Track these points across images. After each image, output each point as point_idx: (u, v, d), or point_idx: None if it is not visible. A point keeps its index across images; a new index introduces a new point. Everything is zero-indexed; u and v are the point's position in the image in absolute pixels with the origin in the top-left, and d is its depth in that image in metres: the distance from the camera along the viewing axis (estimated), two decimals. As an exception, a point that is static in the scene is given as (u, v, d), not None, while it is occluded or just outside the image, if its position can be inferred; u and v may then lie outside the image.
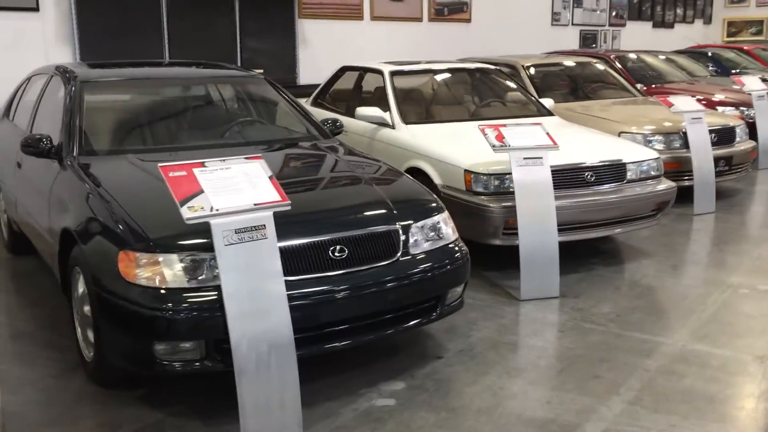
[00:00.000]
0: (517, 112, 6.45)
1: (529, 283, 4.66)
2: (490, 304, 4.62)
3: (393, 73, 6.38)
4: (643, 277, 5.09)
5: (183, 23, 8.04)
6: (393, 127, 5.92)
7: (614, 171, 5.23)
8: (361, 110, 6.04)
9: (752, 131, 8.90)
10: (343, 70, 7.29)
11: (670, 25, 20.62)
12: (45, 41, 6.99)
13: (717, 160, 7.14)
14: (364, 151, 6.10)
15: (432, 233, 3.60)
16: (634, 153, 5.41)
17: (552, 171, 4.88)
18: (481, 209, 4.86)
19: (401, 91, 6.37)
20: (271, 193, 2.97)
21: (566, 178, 5.06)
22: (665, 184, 5.45)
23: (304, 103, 7.58)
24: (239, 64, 8.70)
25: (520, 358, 3.86)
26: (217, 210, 2.82)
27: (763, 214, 6.91)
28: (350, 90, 7.00)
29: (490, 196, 4.90)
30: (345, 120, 6.33)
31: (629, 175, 5.29)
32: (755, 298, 4.66)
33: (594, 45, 17.11)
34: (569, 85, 8.81)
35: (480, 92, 6.80)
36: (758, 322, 4.29)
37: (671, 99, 7.04)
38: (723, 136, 7.35)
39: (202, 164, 2.96)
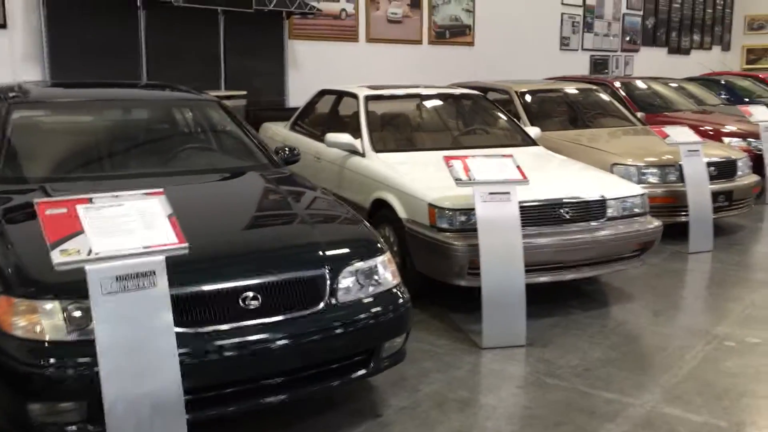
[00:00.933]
0: (499, 142, 6.09)
1: (492, 329, 4.27)
2: (448, 351, 4.23)
3: (368, 98, 6.05)
4: (621, 325, 4.67)
5: (163, 41, 7.76)
6: (363, 155, 5.58)
7: (593, 208, 4.84)
8: (331, 137, 5.71)
9: (760, 164, 8.51)
10: (322, 93, 6.98)
11: (686, 52, 20.21)
12: (13, 59, 6.75)
13: (716, 195, 6.73)
14: (335, 180, 5.80)
15: (368, 278, 3.23)
16: (616, 189, 5.02)
17: (523, 207, 4.53)
18: (445, 247, 4.48)
19: (376, 116, 6.05)
20: (166, 235, 2.62)
21: (539, 214, 4.68)
22: (650, 223, 5.05)
23: (283, 127, 7.30)
24: (223, 86, 8.43)
25: (467, 418, 3.46)
26: (96, 254, 2.48)
27: (764, 255, 6.47)
28: (327, 114, 6.68)
29: (455, 233, 4.53)
30: (319, 147, 6.03)
31: (610, 212, 4.90)
32: (741, 353, 4.23)
33: (605, 71, 16.74)
34: (565, 112, 8.44)
35: (462, 119, 6.45)
36: (740, 381, 3.87)
37: (667, 129, 6.64)
38: (723, 169, 6.92)
39: (89, 200, 2.63)
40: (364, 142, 5.62)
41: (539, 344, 4.34)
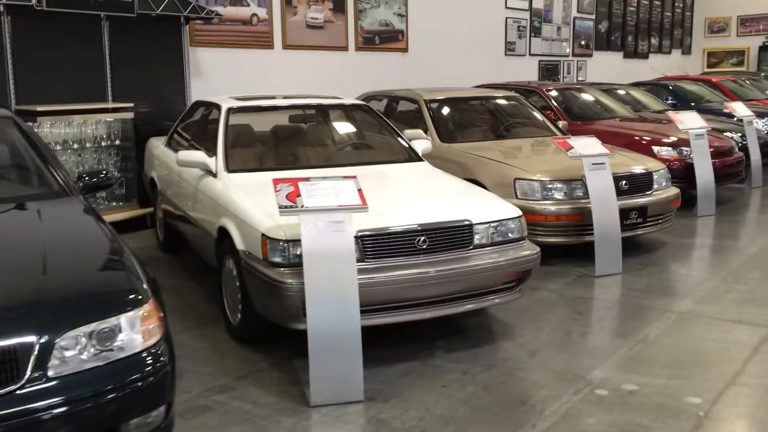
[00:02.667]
0: (377, 158, 5.49)
1: (322, 383, 3.64)
2: (270, 412, 3.60)
3: (231, 110, 5.41)
4: (486, 370, 4.06)
5: (34, 51, 7.09)
6: (215, 175, 4.95)
7: (457, 235, 4.22)
8: (184, 155, 5.07)
9: (691, 173, 7.99)
10: (196, 105, 6.34)
11: (644, 56, 19.79)
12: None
13: (628, 211, 6.17)
14: (191, 204, 5.17)
15: (105, 342, 2.59)
16: (488, 212, 4.41)
17: (371, 236, 3.94)
18: (277, 285, 3.85)
19: (239, 131, 5.42)
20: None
21: (390, 244, 4.06)
22: (527, 250, 4.44)
23: (162, 142, 6.66)
24: (110, 98, 7.75)
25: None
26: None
27: (675, 276, 5.88)
28: (199, 129, 6.05)
29: (289, 268, 3.90)
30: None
31: (477, 239, 4.28)
32: (609, 405, 3.63)
33: (555, 77, 16.24)
34: (479, 122, 7.87)
35: (337, 134, 5.83)
36: (599, 445, 3.27)
37: (572, 141, 6.06)
38: (636, 183, 6.36)
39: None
40: (218, 161, 4.99)
41: (380, 399, 3.72)
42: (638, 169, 6.42)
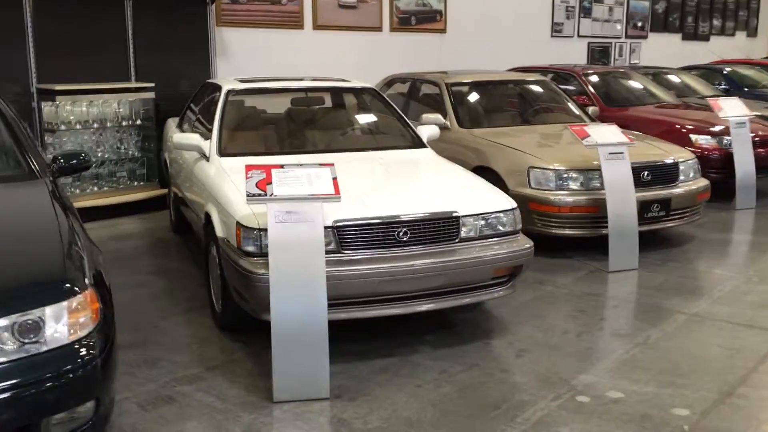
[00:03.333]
0: (380, 144, 5.33)
1: (286, 379, 3.51)
2: (231, 406, 3.49)
3: (231, 92, 5.30)
4: (467, 369, 3.87)
5: (56, 31, 7.11)
6: (208, 159, 4.85)
7: (442, 227, 4.02)
8: (179, 137, 5.00)
9: (731, 164, 7.57)
10: (206, 86, 6.25)
11: (705, 38, 18.97)
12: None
13: (649, 203, 5.85)
14: (189, 188, 5.10)
15: (26, 335, 2.51)
16: (477, 204, 4.19)
17: (348, 226, 3.79)
18: (247, 275, 3.73)
19: (238, 113, 5.31)
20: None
21: (368, 235, 3.89)
22: (519, 244, 4.21)
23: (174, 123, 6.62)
24: (133, 78, 7.75)
25: None
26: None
27: (694, 273, 5.55)
28: (206, 110, 5.95)
29: (262, 258, 3.77)
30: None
31: (465, 231, 4.08)
32: (588, 414, 3.40)
33: (606, 59, 15.68)
34: (503, 107, 7.59)
35: (341, 118, 5.66)
36: (566, 458, 3.06)
37: (589, 129, 5.76)
38: (659, 174, 6.02)
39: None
40: (212, 144, 4.89)
41: (348, 397, 3.57)
42: (662, 159, 6.08)
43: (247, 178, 3.63)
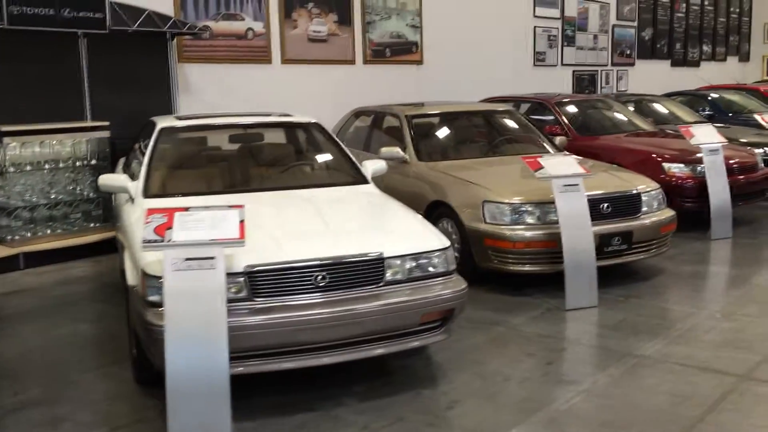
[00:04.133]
0: (321, 180, 5.10)
1: (182, 438, 3.24)
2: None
3: (164, 131, 5.09)
4: (389, 424, 3.58)
5: (10, 68, 6.95)
6: (132, 200, 4.63)
7: (363, 270, 3.77)
8: (104, 178, 4.78)
9: (704, 192, 7.33)
10: (149, 124, 6.03)
11: (695, 64, 18.83)
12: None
13: (609, 236, 5.59)
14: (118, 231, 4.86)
15: None
16: (406, 244, 3.93)
17: (261, 271, 3.54)
18: (149, 328, 3.47)
19: (171, 152, 5.10)
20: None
21: (284, 281, 3.63)
22: (451, 287, 3.94)
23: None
24: (88, 116, 7.56)
25: None
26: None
27: (659, 313, 5.25)
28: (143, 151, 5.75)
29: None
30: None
31: (390, 274, 3.82)
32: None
33: (592, 87, 15.52)
34: (466, 139, 7.36)
35: (280, 154, 5.43)
36: None
37: (544, 160, 5.52)
38: (620, 206, 5.76)
39: None
40: (138, 185, 4.67)
41: (253, 458, 3.30)
42: (623, 190, 5.83)
43: (146, 222, 3.39)
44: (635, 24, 16.64)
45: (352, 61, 10.40)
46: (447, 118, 7.38)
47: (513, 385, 4.02)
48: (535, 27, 13.76)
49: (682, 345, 4.52)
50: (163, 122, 5.20)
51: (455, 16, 11.85)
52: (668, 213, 6.02)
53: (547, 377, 4.13)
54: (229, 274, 3.51)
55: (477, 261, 5.70)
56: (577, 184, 5.34)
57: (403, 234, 4.07)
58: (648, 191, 5.93)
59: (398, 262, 3.83)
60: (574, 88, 15.01)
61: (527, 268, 5.53)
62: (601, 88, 15.91)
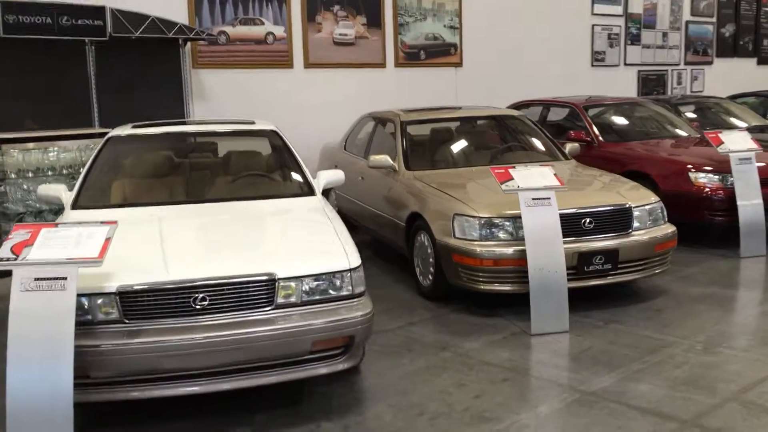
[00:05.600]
0: (260, 192, 4.81)
1: (26, 470, 3.07)
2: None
3: (111, 140, 4.99)
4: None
5: (10, 78, 7.08)
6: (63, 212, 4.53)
7: (249, 292, 3.50)
8: (42, 189, 4.69)
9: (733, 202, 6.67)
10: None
11: (789, 61, 17.45)
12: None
13: (589, 255, 5.09)
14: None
15: None
16: (305, 263, 3.63)
17: (133, 292, 3.35)
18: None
19: (115, 161, 4.98)
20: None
21: (159, 303, 3.41)
22: (353, 311, 3.61)
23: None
24: (96, 123, 7.62)
25: None
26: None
27: (632, 342, 4.70)
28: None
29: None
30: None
31: (283, 297, 3.54)
32: None
33: (660, 89, 14.63)
34: (465, 146, 6.94)
35: (227, 165, 5.20)
36: None
37: (515, 171, 5.08)
38: (605, 221, 5.24)
39: None
40: (72, 195, 4.57)
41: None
42: (610, 204, 5.30)
43: (8, 238, 3.25)
44: (713, 20, 15.57)
45: (382, 65, 10.12)
46: (445, 124, 6.99)
47: (424, 421, 3.65)
48: (593, 25, 13.06)
49: (639, 381, 4.01)
50: (114, 131, 5.09)
51: (499, 16, 11.37)
52: (667, 229, 5.44)
53: (465, 413, 3.73)
54: (101, 295, 3.34)
55: (448, 278, 5.33)
56: (548, 198, 4.89)
57: (309, 253, 3.76)
58: (642, 205, 5.37)
59: (292, 283, 3.55)
60: (639, 89, 14.19)
61: (496, 287, 5.10)
62: (672, 89, 14.99)
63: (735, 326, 4.87)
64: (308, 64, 9.37)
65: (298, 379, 3.62)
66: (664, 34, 14.56)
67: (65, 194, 4.58)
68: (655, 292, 5.65)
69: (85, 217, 4.24)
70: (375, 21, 9.97)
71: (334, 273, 3.63)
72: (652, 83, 14.49)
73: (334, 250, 3.78)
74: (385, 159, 6.31)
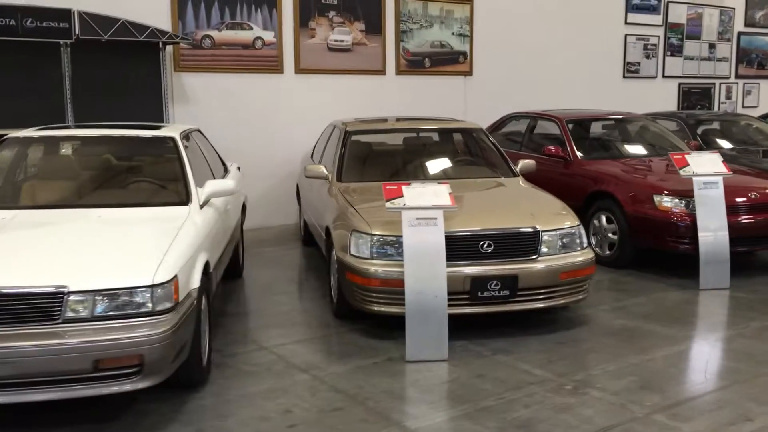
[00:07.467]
0: (137, 199, 4.75)
1: None
2: None
3: (12, 141, 5.04)
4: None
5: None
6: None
7: (34, 305, 3.42)
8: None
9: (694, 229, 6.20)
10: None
11: None
12: None
13: (485, 280, 4.80)
14: None
15: None
16: (100, 276, 3.51)
17: None
18: None
19: (20, 163, 5.03)
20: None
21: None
22: (149, 329, 3.48)
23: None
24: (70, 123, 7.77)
25: None
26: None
27: (499, 377, 4.34)
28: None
29: None
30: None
31: (72, 311, 3.44)
32: None
33: (704, 103, 13.84)
34: (403, 159, 6.66)
35: (117, 170, 5.14)
36: None
37: (409, 188, 4.82)
38: (507, 245, 4.91)
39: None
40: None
41: None
42: (513, 227, 4.97)
43: None
44: (770, 30, 14.64)
45: (381, 72, 9.94)
46: (393, 135, 6.77)
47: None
48: (626, 35, 12.47)
49: (473, 420, 3.72)
50: (16, 132, 5.15)
51: (514, 24, 11.01)
52: (582, 256, 5.06)
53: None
54: None
55: (346, 297, 5.13)
56: (435, 218, 4.62)
57: (111, 266, 3.65)
58: (553, 230, 5.01)
59: (82, 297, 3.45)
60: (679, 102, 13.47)
61: (384, 309, 4.87)
62: (720, 103, 14.16)
63: (626, 366, 4.46)
64: (299, 70, 9.29)
65: (84, 396, 3.51)
66: (711, 45, 13.77)
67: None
68: (576, 323, 5.27)
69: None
70: (375, 28, 9.81)
71: (132, 289, 3.51)
72: (695, 97, 13.74)
73: (143, 265, 3.65)
74: (320, 169, 6.16)
